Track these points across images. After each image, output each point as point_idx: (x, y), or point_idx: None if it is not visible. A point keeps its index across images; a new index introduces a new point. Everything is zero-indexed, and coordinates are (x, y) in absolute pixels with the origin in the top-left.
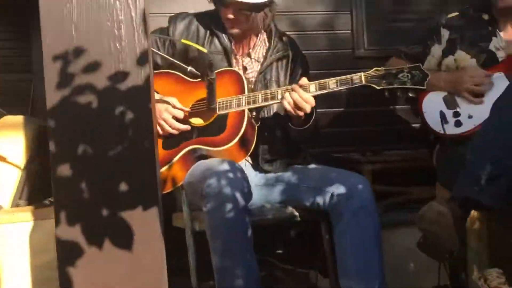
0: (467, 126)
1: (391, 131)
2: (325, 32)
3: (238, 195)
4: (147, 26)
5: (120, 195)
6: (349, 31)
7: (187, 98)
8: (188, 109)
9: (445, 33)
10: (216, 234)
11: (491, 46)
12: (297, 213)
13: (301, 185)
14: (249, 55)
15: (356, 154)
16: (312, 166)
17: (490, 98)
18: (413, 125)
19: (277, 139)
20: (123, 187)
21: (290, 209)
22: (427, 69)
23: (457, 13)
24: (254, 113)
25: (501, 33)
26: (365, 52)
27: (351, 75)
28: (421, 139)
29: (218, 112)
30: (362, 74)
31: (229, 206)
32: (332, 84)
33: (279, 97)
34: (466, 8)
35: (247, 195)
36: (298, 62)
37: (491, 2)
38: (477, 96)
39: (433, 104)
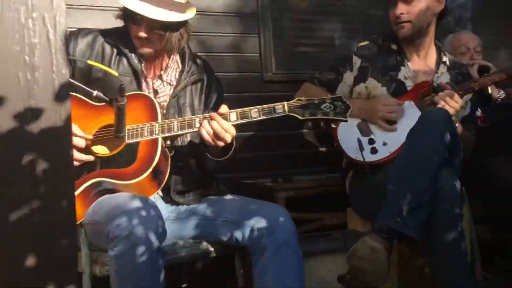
0: (383, 153)
1: (300, 155)
2: (233, 54)
3: (151, 235)
4: (68, 51)
5: (31, 271)
6: (257, 54)
7: (90, 124)
8: (90, 137)
9: (357, 61)
10: (124, 280)
11: (400, 76)
12: (212, 249)
13: (217, 218)
14: (160, 77)
15: (267, 180)
16: (229, 197)
17: (403, 125)
18: (321, 149)
19: (191, 169)
20: (31, 261)
21: (205, 244)
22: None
23: (368, 42)
24: (168, 142)
25: (409, 63)
26: (273, 75)
27: (273, 104)
28: (332, 164)
29: (127, 141)
30: (285, 103)
31: (141, 249)
32: (254, 113)
33: (197, 125)
34: (375, 37)
35: (162, 235)
36: (213, 86)
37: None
38: (390, 123)
39: (348, 131)
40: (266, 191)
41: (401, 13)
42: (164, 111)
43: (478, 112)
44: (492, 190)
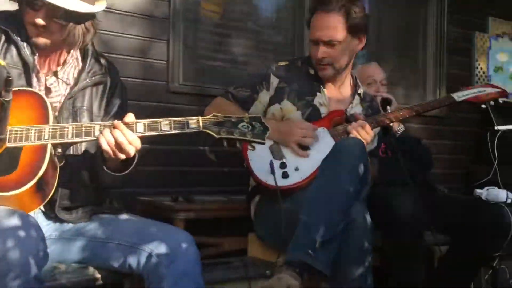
0: (294, 178)
1: (203, 173)
2: (138, 58)
3: (30, 261)
4: None
5: None
6: (164, 62)
7: None
8: None
9: (274, 81)
10: None
11: (316, 101)
12: (99, 275)
13: (109, 240)
14: (55, 74)
15: (166, 198)
16: (124, 216)
17: (315, 151)
18: (224, 169)
19: (83, 183)
20: None
21: (91, 270)
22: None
23: (287, 62)
24: (59, 150)
25: (325, 90)
26: (180, 86)
27: (187, 118)
28: (236, 185)
29: (7, 144)
30: (200, 118)
31: (14, 277)
32: (165, 126)
33: (96, 133)
34: (294, 59)
35: (42, 260)
36: (116, 91)
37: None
38: (304, 148)
39: (259, 153)
40: (164, 210)
41: (323, 57)
42: (57, 113)
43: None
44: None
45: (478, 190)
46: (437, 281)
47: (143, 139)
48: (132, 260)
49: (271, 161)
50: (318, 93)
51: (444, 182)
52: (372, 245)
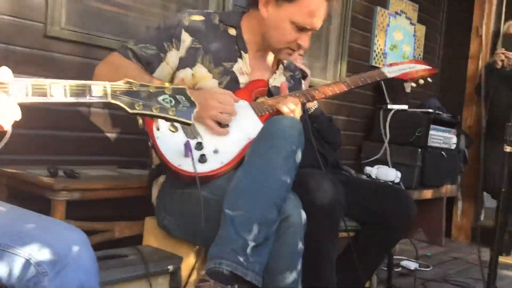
0: (214, 163)
1: (89, 139)
2: None
3: None
4: None
5: None
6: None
7: None
8: None
9: (187, 39)
10: None
11: (235, 68)
12: None
13: None
14: None
15: (42, 172)
16: None
17: (236, 129)
18: (113, 135)
19: None
20: None
21: None
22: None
23: (203, 17)
24: None
25: (247, 55)
26: (61, 31)
27: (89, 82)
28: (133, 155)
29: None
30: (108, 84)
31: None
32: (57, 90)
33: None
34: (211, 13)
35: None
36: None
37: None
38: (221, 125)
39: (168, 129)
40: (38, 187)
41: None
42: None
43: None
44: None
45: (368, 168)
46: (342, 270)
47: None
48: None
49: (187, 141)
50: (239, 59)
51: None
52: (304, 245)
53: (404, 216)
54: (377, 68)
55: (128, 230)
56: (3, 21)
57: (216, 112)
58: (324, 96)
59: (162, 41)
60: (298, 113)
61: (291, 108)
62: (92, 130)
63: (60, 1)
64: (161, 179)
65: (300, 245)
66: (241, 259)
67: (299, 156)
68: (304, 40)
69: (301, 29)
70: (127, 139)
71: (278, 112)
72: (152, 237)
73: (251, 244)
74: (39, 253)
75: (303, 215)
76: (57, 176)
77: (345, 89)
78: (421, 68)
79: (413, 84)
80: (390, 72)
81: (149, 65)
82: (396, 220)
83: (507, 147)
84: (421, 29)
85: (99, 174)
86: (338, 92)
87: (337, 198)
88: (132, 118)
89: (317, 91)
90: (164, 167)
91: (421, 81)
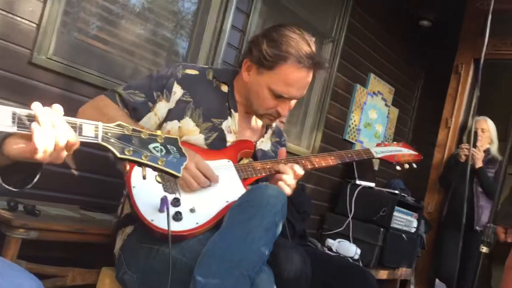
0: (189, 223)
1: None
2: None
3: None
4: None
5: None
6: (34, 25)
7: None
8: None
9: (177, 91)
10: None
11: (224, 126)
12: None
13: None
14: None
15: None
16: None
17: (215, 189)
18: (78, 173)
19: None
20: None
21: None
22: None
23: (197, 72)
24: None
25: (236, 115)
26: (47, 60)
27: (80, 120)
28: (102, 197)
29: None
30: (101, 125)
31: None
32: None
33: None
34: (206, 68)
35: None
36: None
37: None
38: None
39: (146, 180)
40: None
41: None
42: None
43: None
44: None
45: (330, 240)
46: None
47: None
48: None
49: (164, 196)
50: (228, 117)
51: None
52: None
53: None
54: (349, 142)
55: (81, 278)
56: None
57: (190, 179)
58: (315, 167)
59: (152, 90)
60: (292, 183)
61: (286, 178)
62: (57, 165)
63: (51, 31)
64: (128, 229)
65: None
66: None
67: (279, 228)
68: (283, 108)
69: (278, 96)
70: (93, 178)
71: (273, 171)
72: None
73: None
74: None
75: None
76: (16, 210)
77: (332, 164)
78: (408, 152)
79: (398, 168)
80: (378, 153)
81: (135, 112)
82: None
83: (483, 247)
84: (395, 112)
85: (60, 214)
86: (329, 164)
87: (305, 273)
88: (103, 158)
89: (308, 161)
90: (136, 218)
91: (406, 166)
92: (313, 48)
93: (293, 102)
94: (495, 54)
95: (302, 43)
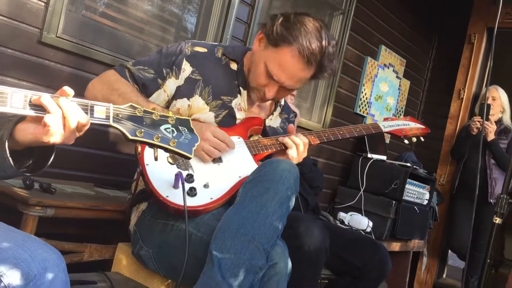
0: (203, 198)
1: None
2: None
3: None
4: None
5: None
6: (43, 3)
7: None
8: None
9: (187, 68)
10: None
11: (233, 103)
12: None
13: None
14: None
15: (15, 183)
16: None
17: (228, 164)
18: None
19: None
20: None
21: None
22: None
23: (206, 49)
24: None
25: (245, 92)
26: (56, 39)
27: (91, 102)
28: (115, 174)
29: None
30: (112, 106)
31: None
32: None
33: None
34: (215, 45)
35: None
36: None
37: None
38: (213, 160)
39: (159, 158)
40: (10, 198)
41: (274, 97)
42: None
43: None
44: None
45: (342, 214)
46: None
47: None
48: None
49: (179, 172)
50: (238, 95)
51: None
52: None
53: (380, 271)
54: (361, 116)
55: (98, 253)
56: None
57: (209, 146)
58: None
59: (161, 67)
60: (301, 155)
61: (299, 150)
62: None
63: (60, 9)
64: (143, 206)
65: None
66: None
67: (293, 201)
68: (269, 90)
69: (270, 76)
70: (106, 156)
71: (283, 146)
72: (123, 265)
73: None
74: (11, 272)
75: (289, 263)
76: (32, 189)
77: (339, 138)
78: (415, 126)
79: (406, 141)
80: (386, 127)
81: (145, 88)
82: (372, 274)
83: (496, 218)
84: (406, 84)
85: (76, 192)
86: (332, 139)
87: (324, 246)
88: (116, 136)
89: (317, 136)
90: (150, 195)
91: (414, 139)
92: (325, 49)
93: (284, 91)
94: (508, 22)
95: (314, 37)
